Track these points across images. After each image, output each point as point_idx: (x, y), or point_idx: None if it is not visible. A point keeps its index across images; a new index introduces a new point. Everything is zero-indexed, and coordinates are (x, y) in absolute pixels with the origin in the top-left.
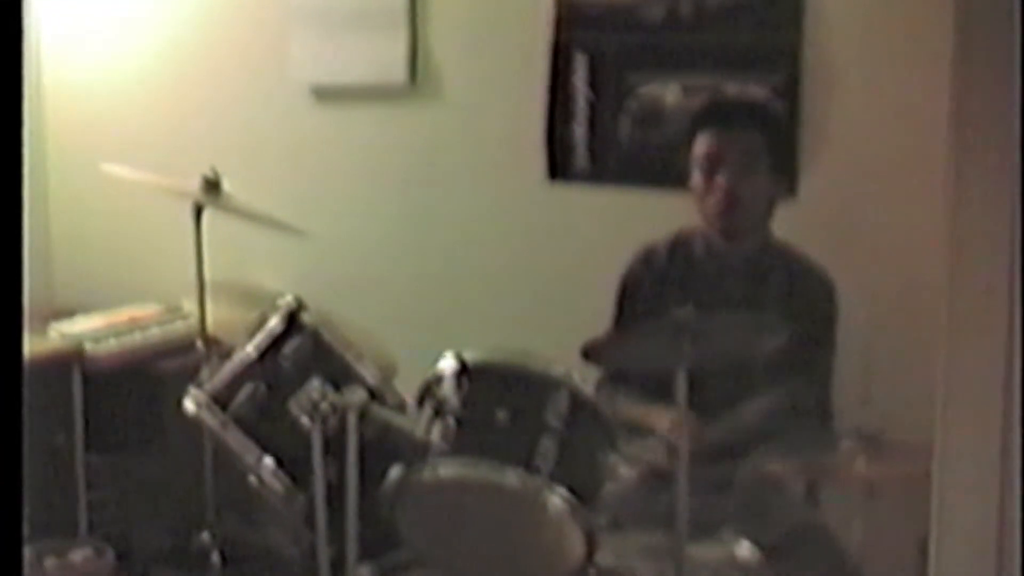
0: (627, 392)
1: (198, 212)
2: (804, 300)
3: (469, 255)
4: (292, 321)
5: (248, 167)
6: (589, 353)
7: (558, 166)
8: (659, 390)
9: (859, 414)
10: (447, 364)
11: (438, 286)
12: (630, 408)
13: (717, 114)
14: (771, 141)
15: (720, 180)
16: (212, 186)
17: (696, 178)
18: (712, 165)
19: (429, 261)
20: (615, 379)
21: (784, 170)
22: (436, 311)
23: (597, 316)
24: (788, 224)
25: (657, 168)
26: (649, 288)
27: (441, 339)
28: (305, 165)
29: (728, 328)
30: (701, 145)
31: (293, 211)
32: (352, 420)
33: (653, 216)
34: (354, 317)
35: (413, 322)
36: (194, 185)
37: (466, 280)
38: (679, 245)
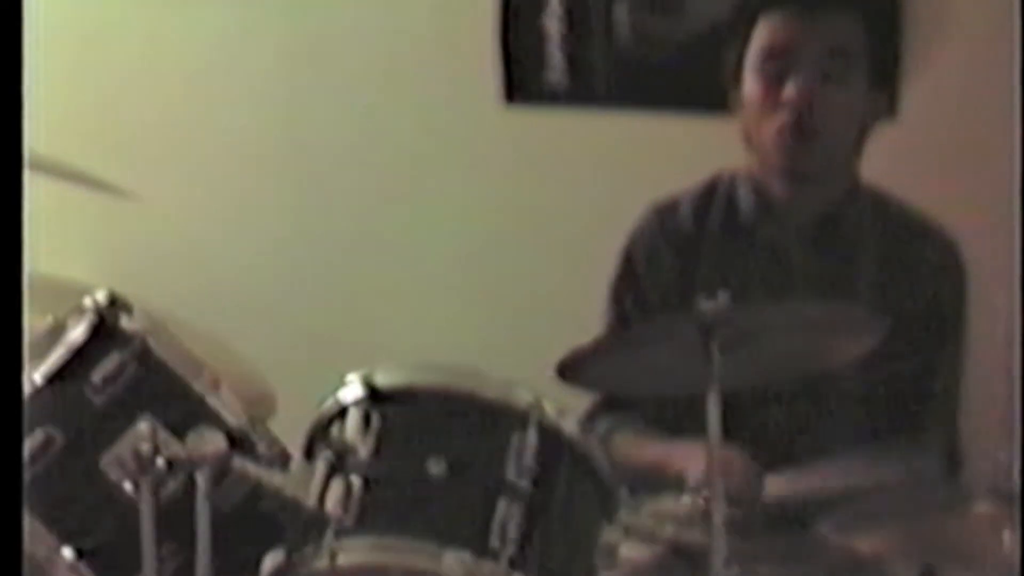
0: (631, 428)
1: None
2: (913, 277)
3: (387, 218)
4: (104, 330)
5: None
6: (569, 369)
7: (519, 81)
8: (680, 425)
9: (997, 461)
10: (351, 392)
11: (337, 268)
12: (638, 448)
13: None
14: (874, 35)
15: (792, 90)
16: None
17: (752, 87)
18: (780, 66)
19: (326, 229)
20: (611, 408)
21: (886, 83)
22: (334, 309)
23: (581, 312)
24: (882, 160)
25: (675, 82)
26: (665, 266)
27: (342, 353)
28: (144, 90)
29: (786, 326)
30: (765, 33)
31: (118, 160)
32: (203, 483)
33: (669, 154)
34: (207, 322)
35: (299, 328)
36: None
37: (379, 260)
38: (715, 198)
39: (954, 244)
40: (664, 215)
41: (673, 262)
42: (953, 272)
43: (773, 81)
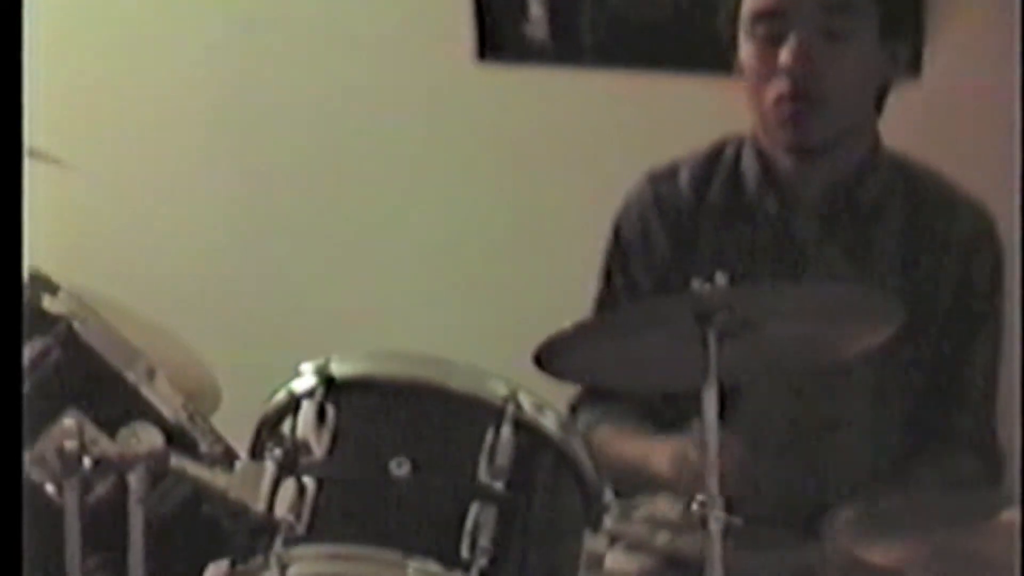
0: (617, 422)
1: None
2: (941, 254)
3: (348, 191)
4: (25, 312)
5: None
6: (548, 357)
7: (494, 36)
8: (676, 419)
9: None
10: (304, 383)
11: (290, 247)
12: (619, 444)
13: None
14: None
15: (787, 54)
16: None
17: (747, 53)
18: (774, 28)
19: (279, 204)
20: (598, 398)
21: (902, 32)
22: (287, 292)
23: (564, 294)
24: (903, 125)
25: (670, 37)
26: (658, 242)
27: (294, 340)
28: (82, 47)
29: (792, 311)
30: None
31: (47, 125)
32: (136, 486)
33: (663, 118)
34: (143, 304)
35: (247, 313)
36: None
37: (338, 238)
38: (719, 166)
39: (988, 215)
40: (659, 184)
41: (667, 238)
42: (987, 247)
43: (767, 45)
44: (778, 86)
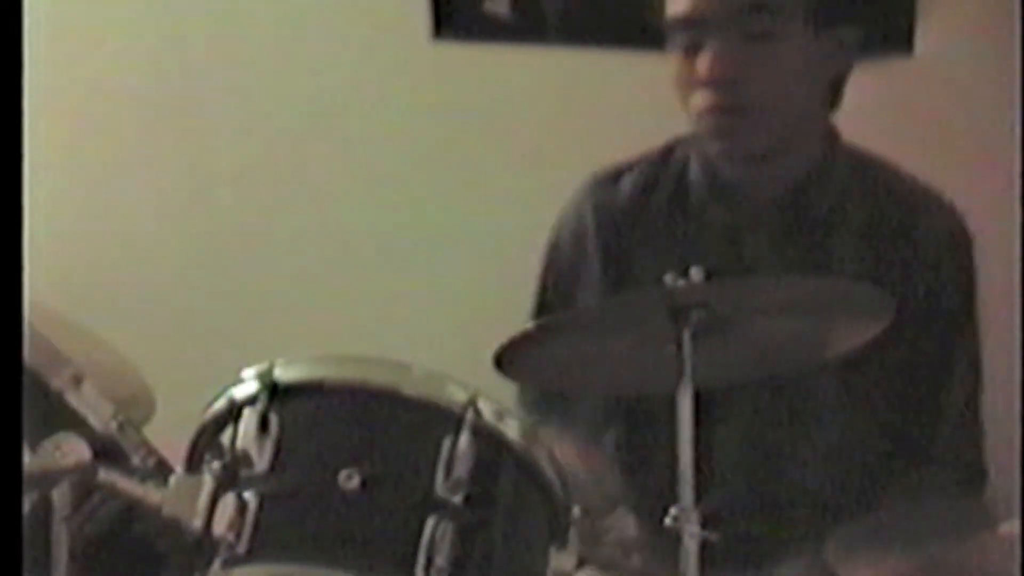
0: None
1: None
2: (907, 260)
3: (293, 180)
4: None
5: None
6: (509, 359)
7: (451, 11)
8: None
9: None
10: (245, 390)
11: (231, 242)
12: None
13: None
14: None
15: (705, 66)
16: None
17: (672, 61)
18: (692, 36)
19: (218, 193)
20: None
21: (848, 19)
22: (227, 291)
23: (525, 290)
24: (895, 102)
25: (642, 13)
26: (589, 250)
27: (235, 344)
28: None
29: (776, 306)
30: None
31: None
32: (61, 502)
33: (633, 100)
34: (68, 305)
35: (183, 313)
36: None
37: (284, 231)
38: (665, 171)
39: (956, 213)
40: (599, 191)
41: (602, 249)
42: (959, 247)
43: (688, 54)
44: (702, 98)
